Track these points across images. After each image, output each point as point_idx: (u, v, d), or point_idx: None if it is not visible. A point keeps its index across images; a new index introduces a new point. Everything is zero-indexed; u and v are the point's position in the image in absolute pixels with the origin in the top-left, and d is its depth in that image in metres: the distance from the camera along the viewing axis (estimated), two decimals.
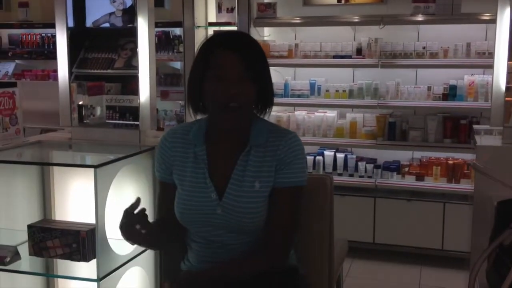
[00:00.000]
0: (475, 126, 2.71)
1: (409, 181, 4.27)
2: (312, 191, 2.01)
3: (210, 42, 1.78)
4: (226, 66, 1.70)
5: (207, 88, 1.72)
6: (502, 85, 2.59)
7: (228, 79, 1.69)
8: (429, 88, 4.24)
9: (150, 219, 1.74)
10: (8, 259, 2.25)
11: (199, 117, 1.86)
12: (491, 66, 3.79)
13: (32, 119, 4.56)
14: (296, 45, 4.53)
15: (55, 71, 5.38)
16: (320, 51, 4.46)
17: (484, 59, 4.03)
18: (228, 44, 1.72)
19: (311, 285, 2.05)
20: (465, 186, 4.09)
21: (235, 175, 1.77)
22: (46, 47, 5.56)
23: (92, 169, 2.14)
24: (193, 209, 1.78)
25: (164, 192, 1.90)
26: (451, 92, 4.17)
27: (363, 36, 4.43)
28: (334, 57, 4.41)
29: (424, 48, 4.20)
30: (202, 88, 1.74)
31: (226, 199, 1.76)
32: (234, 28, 4.60)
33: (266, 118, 1.86)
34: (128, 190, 2.44)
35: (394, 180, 4.30)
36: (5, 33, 5.72)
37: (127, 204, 1.71)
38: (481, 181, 2.11)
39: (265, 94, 1.79)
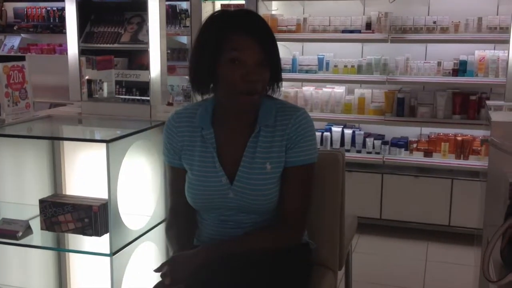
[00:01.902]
0: (488, 102, 2.69)
1: (417, 157, 4.25)
2: (324, 167, 2.00)
3: (220, 24, 1.70)
4: (244, 51, 1.64)
5: (224, 72, 1.66)
6: None
7: (247, 64, 1.65)
8: (439, 64, 4.19)
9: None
10: (20, 234, 2.26)
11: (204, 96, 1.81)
12: (502, 41, 3.78)
13: (40, 93, 4.54)
14: (305, 19, 4.47)
15: (61, 45, 5.39)
16: (329, 25, 4.41)
17: (495, 34, 3.98)
18: (244, 27, 1.67)
19: (322, 260, 2.06)
20: (473, 162, 4.08)
21: (246, 158, 1.74)
22: (51, 20, 5.53)
23: (104, 144, 2.12)
24: (204, 193, 1.76)
25: (174, 176, 1.86)
26: (461, 68, 4.13)
27: (372, 10, 4.37)
28: (343, 31, 4.37)
29: (434, 22, 4.15)
30: (216, 71, 1.67)
31: (237, 182, 1.74)
32: (242, 1, 4.55)
33: (275, 95, 1.82)
34: (139, 165, 2.44)
35: (402, 156, 4.29)
36: (11, 6, 5.69)
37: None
38: (496, 157, 2.09)
39: (276, 73, 1.76)
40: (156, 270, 1.68)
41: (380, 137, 4.44)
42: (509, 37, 2.78)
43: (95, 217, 2.18)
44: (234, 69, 1.65)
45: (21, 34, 5.61)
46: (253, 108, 1.73)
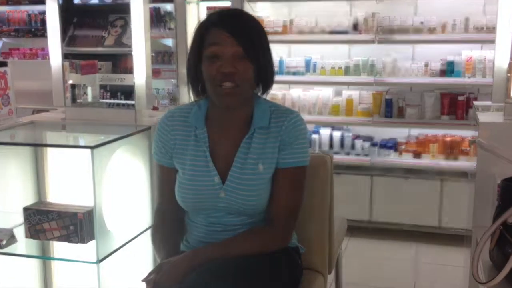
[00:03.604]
0: (476, 102, 2.69)
1: (406, 159, 4.25)
2: (313, 170, 1.98)
3: (205, 22, 1.74)
4: (220, 45, 1.66)
5: (205, 69, 1.69)
6: (504, 61, 2.55)
7: (222, 58, 1.66)
8: (426, 64, 4.19)
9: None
10: (4, 242, 2.23)
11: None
12: (489, 41, 3.79)
13: (22, 99, 4.49)
14: (291, 21, 4.46)
15: (43, 49, 5.33)
16: (316, 26, 4.39)
17: (482, 34, 3.98)
18: (222, 23, 1.68)
19: (311, 264, 2.04)
20: (462, 163, 4.08)
21: (238, 158, 1.74)
22: (33, 24, 5.47)
23: (88, 150, 2.10)
24: (196, 193, 1.75)
25: (163, 175, 1.86)
26: (448, 68, 4.13)
27: (359, 11, 4.36)
28: (330, 33, 4.35)
29: (421, 23, 4.14)
30: (199, 69, 1.71)
31: (229, 182, 1.73)
32: (228, 3, 4.53)
33: (265, 97, 1.82)
34: (125, 170, 2.41)
35: (391, 158, 4.28)
36: None
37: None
38: (484, 158, 2.09)
39: (265, 73, 1.75)
40: (145, 280, 1.66)
41: (368, 138, 4.43)
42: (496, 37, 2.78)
43: (80, 224, 2.15)
44: (212, 64, 1.67)
45: (3, 38, 5.55)
46: (234, 104, 1.72)
